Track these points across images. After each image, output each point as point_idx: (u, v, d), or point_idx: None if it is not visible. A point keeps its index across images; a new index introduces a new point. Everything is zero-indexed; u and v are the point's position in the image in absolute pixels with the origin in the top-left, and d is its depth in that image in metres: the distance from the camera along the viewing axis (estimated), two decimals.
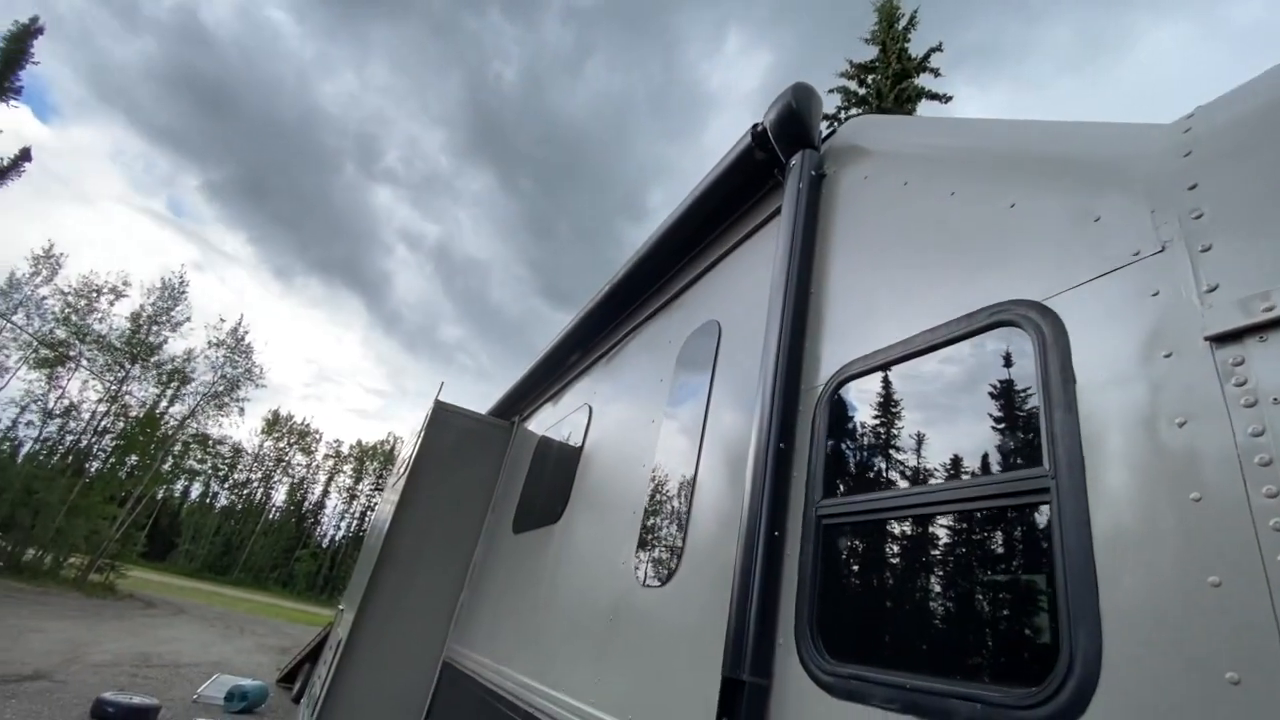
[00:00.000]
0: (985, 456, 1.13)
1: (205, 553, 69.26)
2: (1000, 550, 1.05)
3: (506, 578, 3.62)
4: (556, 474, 3.47)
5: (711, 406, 2.07)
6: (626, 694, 1.88)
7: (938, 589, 1.11)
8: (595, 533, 2.60)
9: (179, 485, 67.75)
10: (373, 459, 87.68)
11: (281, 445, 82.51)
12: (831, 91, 18.05)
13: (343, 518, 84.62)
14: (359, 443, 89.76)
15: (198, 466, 38.52)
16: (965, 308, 1.25)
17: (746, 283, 2.20)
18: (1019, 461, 1.05)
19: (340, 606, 5.55)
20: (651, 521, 2.16)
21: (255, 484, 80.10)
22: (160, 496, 51.22)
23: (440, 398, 4.77)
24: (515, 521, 3.87)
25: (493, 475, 4.85)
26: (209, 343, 35.53)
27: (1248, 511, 0.74)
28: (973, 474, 1.13)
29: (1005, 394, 1.13)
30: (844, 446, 1.42)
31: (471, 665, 3.54)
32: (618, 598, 2.16)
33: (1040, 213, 1.20)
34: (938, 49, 17.50)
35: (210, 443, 36.37)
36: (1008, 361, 1.14)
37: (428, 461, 4.59)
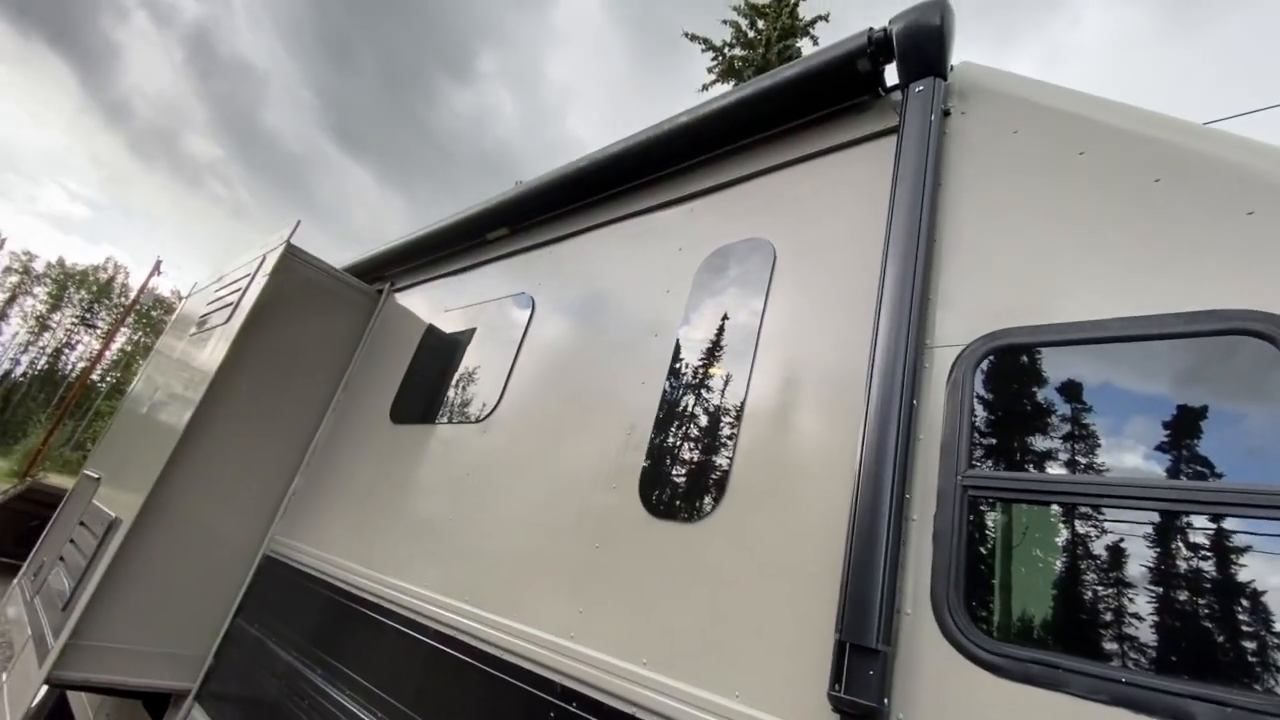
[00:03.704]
0: (1202, 461, 1.11)
1: None
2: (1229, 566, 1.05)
3: (380, 472, 3.08)
4: (473, 367, 2.96)
5: (764, 338, 1.85)
6: (629, 635, 1.67)
7: (1149, 585, 1.09)
8: (558, 445, 2.26)
9: None
10: (80, 286, 69.98)
11: None
12: (724, 23, 17.63)
13: (25, 349, 67.04)
14: (60, 262, 70.59)
15: None
16: (1181, 305, 1.21)
17: (819, 205, 1.97)
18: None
19: (90, 472, 4.32)
20: (665, 449, 1.91)
21: None
22: None
23: (294, 240, 3.75)
24: (396, 410, 3.27)
25: (348, 348, 4.04)
26: None
27: None
28: (1190, 474, 1.11)
29: (1239, 403, 1.11)
30: (1000, 417, 1.33)
31: (314, 563, 3.00)
32: (609, 525, 1.90)
33: None
34: (824, 18, 17.99)
35: None
36: (1244, 371, 1.12)
37: (264, 318, 3.62)
